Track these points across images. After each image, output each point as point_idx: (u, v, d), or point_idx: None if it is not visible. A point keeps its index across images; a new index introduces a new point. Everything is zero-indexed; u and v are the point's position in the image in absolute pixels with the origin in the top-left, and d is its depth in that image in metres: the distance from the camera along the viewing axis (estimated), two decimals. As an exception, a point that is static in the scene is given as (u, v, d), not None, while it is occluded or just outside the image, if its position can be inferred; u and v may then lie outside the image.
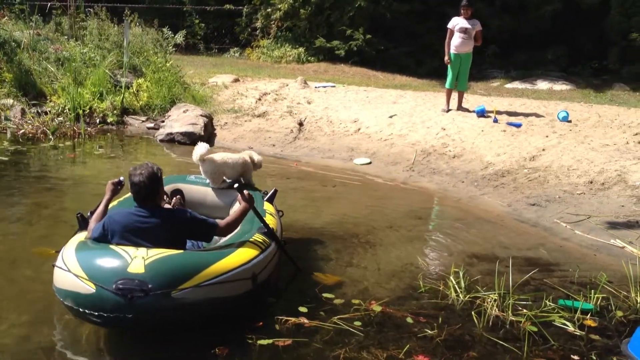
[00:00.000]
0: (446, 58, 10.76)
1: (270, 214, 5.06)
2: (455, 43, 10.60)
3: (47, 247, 4.99)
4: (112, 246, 3.82)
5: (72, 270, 3.62)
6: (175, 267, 3.66)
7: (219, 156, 5.73)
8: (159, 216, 4.04)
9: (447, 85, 11.03)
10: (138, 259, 3.60)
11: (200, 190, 5.65)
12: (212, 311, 3.83)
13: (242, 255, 4.05)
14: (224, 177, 5.72)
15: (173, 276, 3.59)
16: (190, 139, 10.42)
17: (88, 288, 3.52)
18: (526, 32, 18.08)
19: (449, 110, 11.00)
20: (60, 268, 3.71)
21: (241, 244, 4.22)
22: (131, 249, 3.73)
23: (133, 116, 11.72)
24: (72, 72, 11.62)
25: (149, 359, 3.70)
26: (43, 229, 5.87)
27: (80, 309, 3.58)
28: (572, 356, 3.96)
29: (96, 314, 3.53)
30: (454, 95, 11.22)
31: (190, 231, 4.21)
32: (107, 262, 3.62)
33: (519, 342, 4.09)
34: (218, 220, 4.41)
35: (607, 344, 4.18)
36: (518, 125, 9.99)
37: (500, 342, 4.07)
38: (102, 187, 7.13)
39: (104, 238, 3.98)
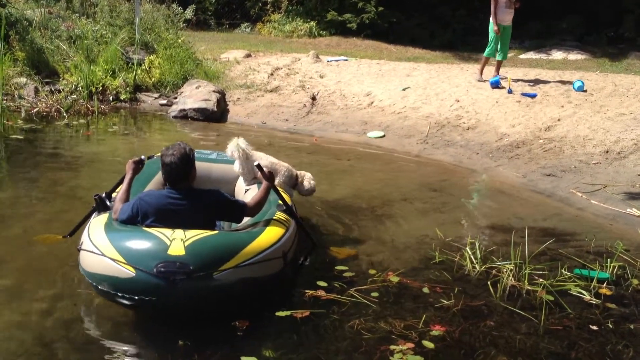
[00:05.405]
0: (495, 28, 10.41)
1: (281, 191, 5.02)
2: (501, 13, 10.40)
3: (50, 233, 4.95)
4: (146, 228, 3.72)
5: (106, 254, 3.51)
6: (215, 248, 3.60)
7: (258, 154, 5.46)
8: (192, 198, 3.95)
9: (487, 53, 10.79)
10: (177, 241, 3.51)
11: (204, 166, 5.44)
12: (247, 292, 3.79)
13: (272, 234, 3.99)
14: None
15: (214, 257, 3.52)
16: (204, 115, 10.47)
17: (127, 272, 3.42)
18: (540, 1, 17.78)
19: (483, 80, 10.87)
20: (91, 252, 3.60)
21: (267, 223, 4.15)
22: (167, 231, 3.62)
23: (146, 93, 11.75)
24: (84, 49, 11.64)
25: (167, 333, 3.70)
26: (58, 206, 5.90)
27: (119, 293, 3.51)
28: (588, 324, 3.96)
29: (136, 297, 3.46)
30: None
31: (223, 212, 4.15)
32: (145, 244, 3.52)
33: (536, 310, 4.10)
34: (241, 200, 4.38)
35: (624, 312, 4.18)
36: (533, 96, 9.89)
37: (517, 311, 4.08)
38: (116, 164, 7.27)
39: (132, 220, 3.87)
